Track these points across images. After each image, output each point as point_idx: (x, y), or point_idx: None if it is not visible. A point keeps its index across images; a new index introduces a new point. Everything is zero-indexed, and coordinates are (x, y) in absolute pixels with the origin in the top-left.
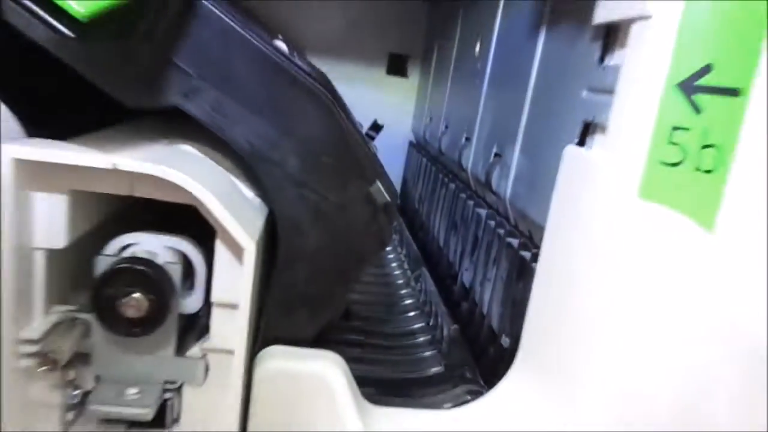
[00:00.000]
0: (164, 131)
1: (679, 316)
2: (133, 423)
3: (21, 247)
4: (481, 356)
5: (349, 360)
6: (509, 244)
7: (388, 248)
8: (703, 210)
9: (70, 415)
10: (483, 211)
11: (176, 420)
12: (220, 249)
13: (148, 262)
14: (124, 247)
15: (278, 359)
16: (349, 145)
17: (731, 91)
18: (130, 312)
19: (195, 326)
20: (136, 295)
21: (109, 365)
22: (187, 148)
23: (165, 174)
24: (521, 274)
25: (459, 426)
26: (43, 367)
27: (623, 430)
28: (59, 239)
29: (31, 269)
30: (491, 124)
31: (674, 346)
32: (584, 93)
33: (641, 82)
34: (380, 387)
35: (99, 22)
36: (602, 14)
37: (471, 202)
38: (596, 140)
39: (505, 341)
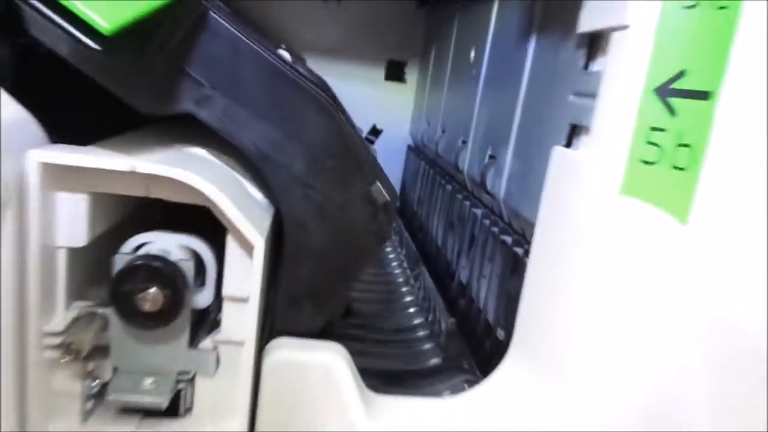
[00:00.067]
0: (177, 137)
1: (659, 304)
2: (148, 412)
3: (45, 246)
4: (478, 349)
5: (352, 353)
6: (503, 242)
7: (388, 249)
8: (678, 205)
9: (90, 405)
10: (479, 211)
11: (189, 409)
12: (231, 246)
13: (163, 259)
14: (139, 246)
15: (285, 350)
16: (350, 147)
17: (702, 94)
18: (147, 306)
19: (206, 321)
20: (152, 290)
21: (127, 357)
22: (199, 152)
23: (180, 176)
24: (515, 269)
25: (457, 412)
26: (66, 358)
27: (611, 415)
28: (80, 238)
29: (53, 266)
30: (486, 128)
31: (656, 333)
32: (570, 97)
33: (622, 87)
34: (382, 378)
35: (119, 35)
36: (586, 24)
37: (467, 203)
38: (582, 141)
39: (500, 334)
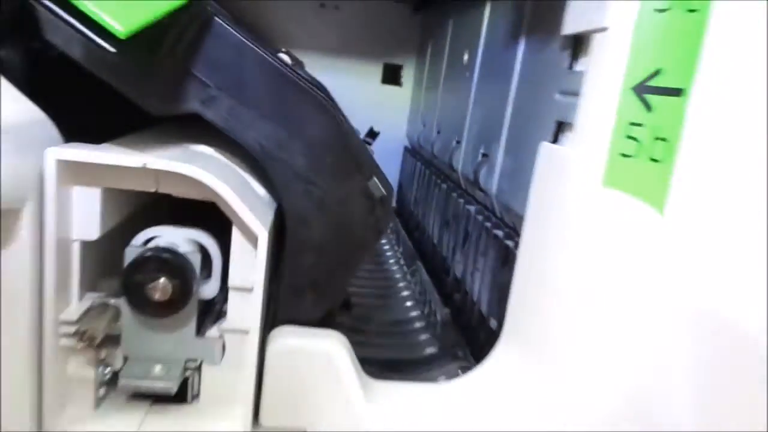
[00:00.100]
0: (184, 136)
1: (640, 290)
2: (157, 399)
3: (60, 239)
4: (473, 339)
5: (352, 344)
6: (495, 236)
7: (386, 247)
8: (655, 195)
9: (102, 391)
10: (472, 208)
11: (196, 395)
12: (236, 238)
13: (172, 251)
14: (149, 240)
15: (288, 338)
16: (348, 145)
17: (675, 91)
18: (157, 295)
19: (212, 311)
20: (162, 280)
21: (137, 345)
22: (205, 150)
23: (189, 171)
24: (506, 261)
25: (451, 396)
26: (81, 344)
27: (596, 396)
28: (93, 231)
29: (68, 258)
30: (479, 127)
31: (638, 318)
32: (556, 96)
33: (602, 85)
34: (380, 366)
35: (131, 39)
36: (569, 26)
37: (461, 200)
38: (567, 137)
39: (493, 324)
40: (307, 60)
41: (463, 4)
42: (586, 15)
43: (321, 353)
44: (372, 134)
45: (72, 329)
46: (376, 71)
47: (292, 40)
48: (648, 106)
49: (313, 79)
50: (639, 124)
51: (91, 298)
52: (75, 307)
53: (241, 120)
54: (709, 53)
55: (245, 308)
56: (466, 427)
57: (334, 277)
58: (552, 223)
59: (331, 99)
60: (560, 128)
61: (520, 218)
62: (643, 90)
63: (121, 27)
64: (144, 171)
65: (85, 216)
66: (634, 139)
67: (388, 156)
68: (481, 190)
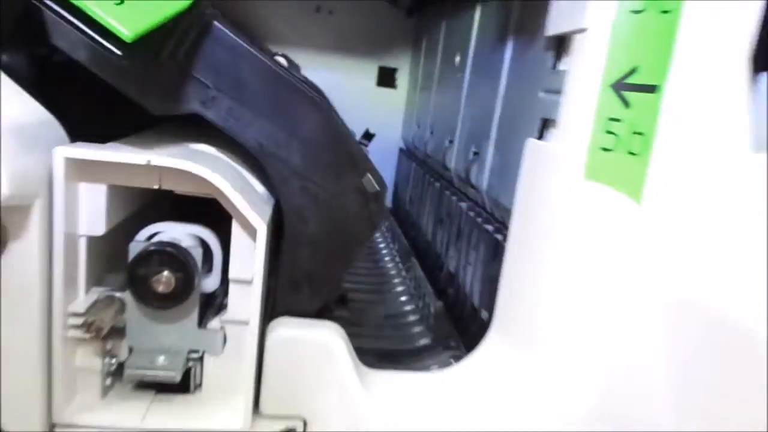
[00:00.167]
0: (186, 135)
1: (620, 278)
2: (161, 388)
3: (68, 234)
4: (465, 330)
5: (348, 336)
6: (486, 230)
7: (381, 246)
8: (633, 186)
9: (108, 381)
10: (464, 204)
11: (199, 385)
12: (236, 232)
13: (175, 246)
14: (152, 235)
15: (287, 328)
16: (343, 143)
17: (651, 88)
18: (160, 288)
19: (213, 304)
20: (166, 273)
21: (141, 337)
22: (206, 148)
23: (191, 168)
24: (496, 254)
25: (444, 383)
26: (89, 335)
27: (581, 382)
28: (99, 227)
29: (76, 253)
30: (470, 127)
31: (619, 306)
32: (541, 94)
33: (583, 83)
34: (376, 356)
35: (136, 43)
36: (551, 28)
37: (454, 198)
38: (551, 134)
39: (485, 315)
40: (304, 63)
41: (455, 8)
42: (567, 17)
43: (319, 343)
44: (368, 136)
45: (80, 321)
46: (371, 74)
47: (289, 43)
48: (625, 103)
49: (309, 81)
50: (617, 120)
51: (97, 292)
52: (82, 300)
53: (240, 120)
54: (681, 52)
55: (245, 300)
56: (458, 413)
57: (330, 270)
58: (537, 215)
59: (327, 100)
60: (545, 125)
61: (508, 212)
62: (620, 87)
63: (127, 31)
64: (148, 168)
65: (92, 212)
66: (613, 133)
67: (383, 157)
68: (473, 187)
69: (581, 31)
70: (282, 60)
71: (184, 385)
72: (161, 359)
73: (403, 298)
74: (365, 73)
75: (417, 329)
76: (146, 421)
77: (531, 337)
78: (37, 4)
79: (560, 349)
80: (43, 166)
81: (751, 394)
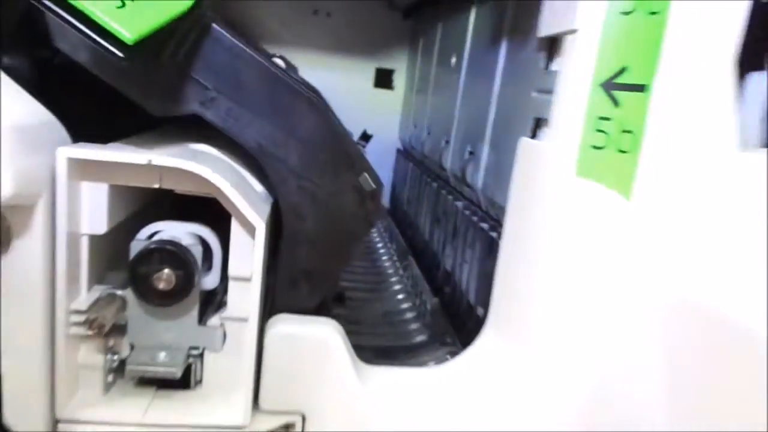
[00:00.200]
0: (186, 135)
1: (612, 274)
2: (162, 385)
3: (71, 233)
4: (461, 327)
5: (346, 333)
6: (481, 228)
7: (379, 245)
8: (623, 183)
9: (110, 378)
10: (460, 203)
11: (199, 381)
12: (235, 230)
13: (175, 244)
14: (153, 234)
15: (286, 325)
16: (340, 143)
17: (639, 87)
18: (161, 285)
19: (213, 302)
20: (166, 271)
21: (143, 334)
22: (205, 148)
23: (191, 167)
24: (491, 252)
25: (440, 379)
26: (91, 332)
27: (573, 376)
28: (101, 226)
29: (78, 251)
30: (466, 127)
31: (611, 302)
32: (534, 94)
33: (574, 83)
34: (373, 352)
35: (137, 45)
36: (543, 29)
37: (450, 197)
38: (544, 132)
39: (480, 311)
40: (301, 64)
41: (451, 9)
42: (559, 18)
43: (317, 339)
44: (365, 137)
45: (82, 318)
46: (369, 75)
47: (286, 45)
48: (615, 102)
49: (306, 82)
50: (607, 119)
51: (99, 290)
52: (84, 298)
53: (239, 120)
54: (668, 52)
55: (244, 297)
56: (454, 408)
57: (328, 267)
58: (531, 212)
59: (324, 101)
60: (538, 124)
61: (503, 210)
62: (610, 87)
63: (129, 34)
64: (148, 168)
65: (94, 211)
66: (604, 132)
67: (381, 158)
68: (468, 186)
69: (572, 32)
70: (280, 61)
71: (184, 381)
72: (162, 356)
73: (400, 296)
74: (362, 74)
75: (414, 326)
76: (148, 416)
77: (525, 333)
78: (39, 6)
79: (554, 345)
80: (45, 167)
81: (749, 394)
